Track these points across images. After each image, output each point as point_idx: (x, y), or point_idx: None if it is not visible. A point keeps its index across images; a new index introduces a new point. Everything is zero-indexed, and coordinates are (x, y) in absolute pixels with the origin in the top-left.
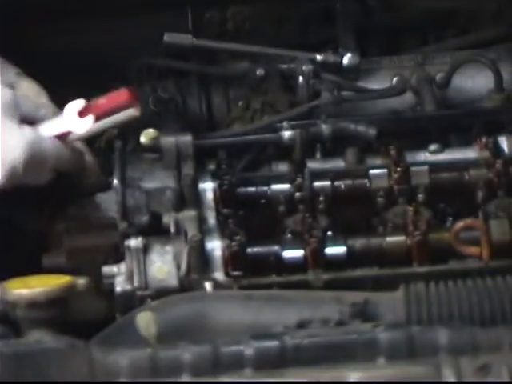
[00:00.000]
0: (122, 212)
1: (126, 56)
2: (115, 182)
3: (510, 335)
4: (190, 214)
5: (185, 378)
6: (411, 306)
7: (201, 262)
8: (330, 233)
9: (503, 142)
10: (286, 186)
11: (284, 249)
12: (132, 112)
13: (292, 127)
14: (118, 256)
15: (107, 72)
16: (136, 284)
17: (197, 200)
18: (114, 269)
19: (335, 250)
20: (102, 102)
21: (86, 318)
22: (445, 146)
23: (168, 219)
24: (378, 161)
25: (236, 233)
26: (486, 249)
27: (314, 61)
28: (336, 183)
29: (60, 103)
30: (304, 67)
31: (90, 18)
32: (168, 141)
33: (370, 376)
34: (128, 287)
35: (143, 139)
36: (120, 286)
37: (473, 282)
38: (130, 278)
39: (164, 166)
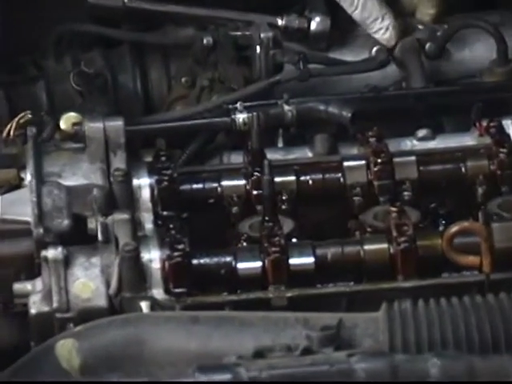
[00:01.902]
0: (37, 215)
1: (41, 24)
2: (28, 178)
3: None
4: (121, 217)
5: None
6: (395, 330)
7: (135, 276)
8: (295, 240)
9: (508, 126)
10: (240, 183)
11: (238, 260)
12: None
13: (248, 109)
14: (32, 270)
15: (20, 43)
16: (55, 305)
17: (130, 200)
18: (27, 286)
19: (302, 260)
20: None
21: None
22: (436, 131)
23: (94, 224)
24: (354, 150)
25: (179, 241)
26: (487, 258)
27: (274, 26)
28: (302, 178)
29: None
30: (262, 34)
31: None
32: (94, 127)
33: None
34: (45, 308)
35: (63, 125)
36: (35, 307)
37: (471, 300)
38: (47, 297)
39: (89, 159)
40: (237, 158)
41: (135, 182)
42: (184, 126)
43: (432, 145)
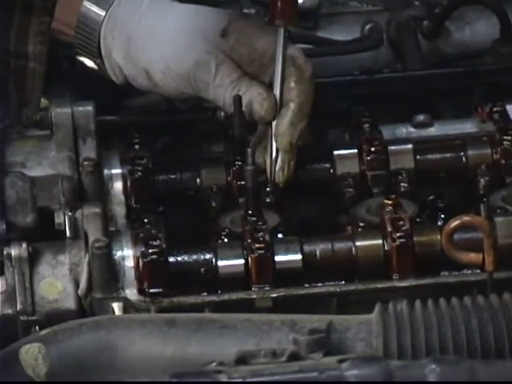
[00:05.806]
0: None
1: None
2: None
3: None
4: (91, 211)
5: None
6: (390, 334)
7: (107, 275)
8: (280, 235)
9: None
10: (221, 173)
11: (219, 258)
12: None
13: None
14: None
15: None
16: (19, 306)
17: (101, 192)
18: None
19: (288, 258)
20: None
21: None
22: (435, 117)
23: (62, 218)
24: (346, 138)
25: (154, 236)
26: (489, 255)
27: (258, 2)
28: None
29: None
30: (245, 11)
31: None
32: (61, 112)
33: None
34: (8, 311)
35: (27, 110)
36: None
37: (472, 301)
38: (10, 298)
39: (56, 147)
40: (217, 147)
41: (106, 172)
42: (162, 118)
43: (430, 132)
